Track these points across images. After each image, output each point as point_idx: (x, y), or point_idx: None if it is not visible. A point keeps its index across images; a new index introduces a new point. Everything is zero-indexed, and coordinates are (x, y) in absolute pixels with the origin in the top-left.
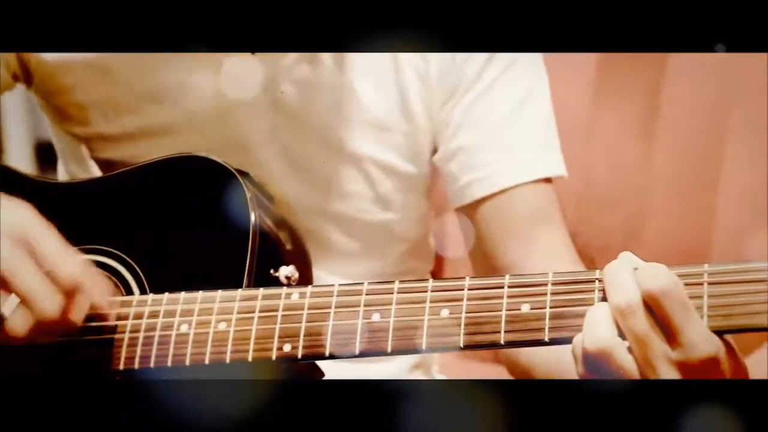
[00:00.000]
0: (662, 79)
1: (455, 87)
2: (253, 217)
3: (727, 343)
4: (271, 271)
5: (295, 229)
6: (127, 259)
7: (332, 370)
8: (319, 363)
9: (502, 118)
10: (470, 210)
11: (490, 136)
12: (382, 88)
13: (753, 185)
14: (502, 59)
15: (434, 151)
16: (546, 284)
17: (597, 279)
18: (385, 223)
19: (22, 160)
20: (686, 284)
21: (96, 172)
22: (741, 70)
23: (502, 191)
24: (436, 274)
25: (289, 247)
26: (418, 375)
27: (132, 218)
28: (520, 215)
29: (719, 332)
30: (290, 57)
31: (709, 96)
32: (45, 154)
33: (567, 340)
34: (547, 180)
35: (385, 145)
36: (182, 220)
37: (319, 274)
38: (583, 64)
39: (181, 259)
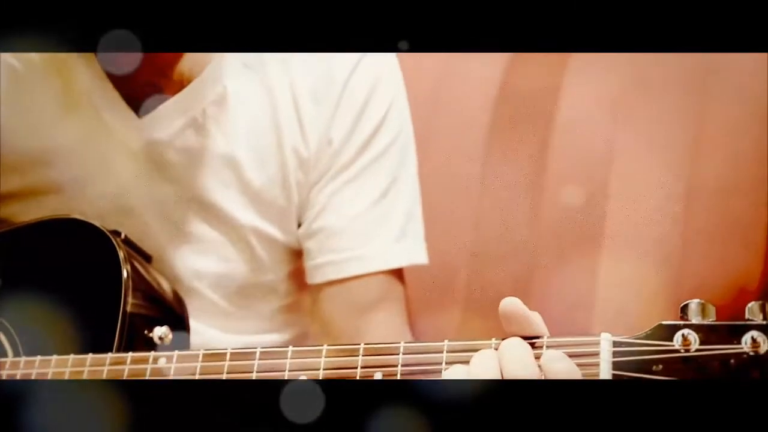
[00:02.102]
0: (550, 136)
1: (327, 170)
2: (125, 275)
3: None
4: (146, 332)
5: (172, 288)
6: (1, 320)
7: None
8: None
9: (364, 207)
10: (320, 288)
11: (350, 223)
12: (264, 162)
13: (634, 238)
14: (375, 148)
15: (299, 225)
16: (397, 353)
17: (444, 349)
18: (263, 284)
19: None
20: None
21: None
22: (623, 128)
23: (353, 277)
24: None
25: (164, 306)
26: None
27: (5, 279)
28: (366, 299)
29: None
30: (177, 124)
31: (594, 153)
32: None
33: None
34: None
35: (263, 215)
36: (56, 281)
37: (198, 327)
38: (476, 121)
39: (55, 321)
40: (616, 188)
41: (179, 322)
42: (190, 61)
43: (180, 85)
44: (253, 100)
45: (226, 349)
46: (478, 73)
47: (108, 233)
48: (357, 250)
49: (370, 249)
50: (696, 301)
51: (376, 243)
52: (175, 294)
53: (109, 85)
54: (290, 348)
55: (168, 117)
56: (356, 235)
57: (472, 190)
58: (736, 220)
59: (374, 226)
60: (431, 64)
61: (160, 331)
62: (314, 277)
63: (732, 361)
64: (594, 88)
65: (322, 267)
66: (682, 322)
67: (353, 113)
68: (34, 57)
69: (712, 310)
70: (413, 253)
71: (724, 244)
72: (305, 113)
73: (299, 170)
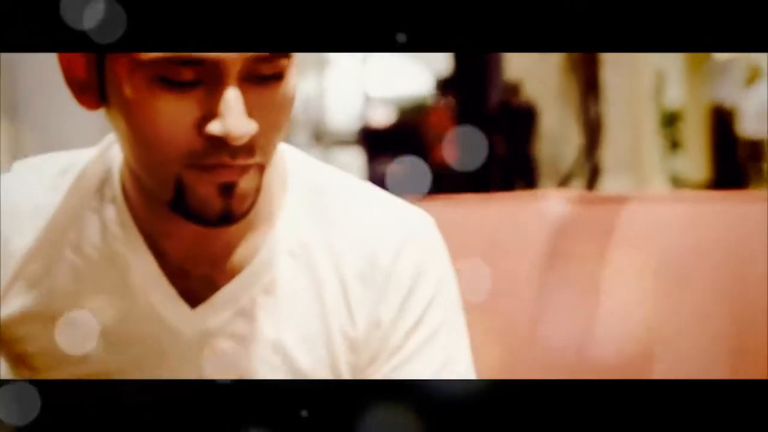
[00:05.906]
0: (595, 303)
1: (378, 352)
2: None
3: None
4: None
5: None
6: None
7: None
8: None
9: None
10: None
11: None
12: (312, 346)
13: None
14: (425, 329)
15: None
16: None
17: None
18: None
19: None
20: None
21: None
22: (664, 302)
23: None
24: None
25: None
26: None
27: None
28: None
29: None
30: (227, 314)
31: (637, 323)
32: None
33: None
34: None
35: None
36: None
37: None
38: (523, 287)
39: None
40: (658, 366)
41: None
42: (240, 253)
43: (231, 274)
44: (299, 287)
45: None
46: (525, 237)
47: None
48: None
49: None
50: None
51: None
52: None
53: (164, 281)
54: None
55: (220, 307)
56: None
57: (519, 353)
58: None
59: None
60: (477, 230)
61: None
62: None
63: None
64: (637, 259)
65: None
66: None
67: (400, 296)
68: (93, 253)
69: None
70: None
71: None
72: (353, 295)
73: (349, 352)
